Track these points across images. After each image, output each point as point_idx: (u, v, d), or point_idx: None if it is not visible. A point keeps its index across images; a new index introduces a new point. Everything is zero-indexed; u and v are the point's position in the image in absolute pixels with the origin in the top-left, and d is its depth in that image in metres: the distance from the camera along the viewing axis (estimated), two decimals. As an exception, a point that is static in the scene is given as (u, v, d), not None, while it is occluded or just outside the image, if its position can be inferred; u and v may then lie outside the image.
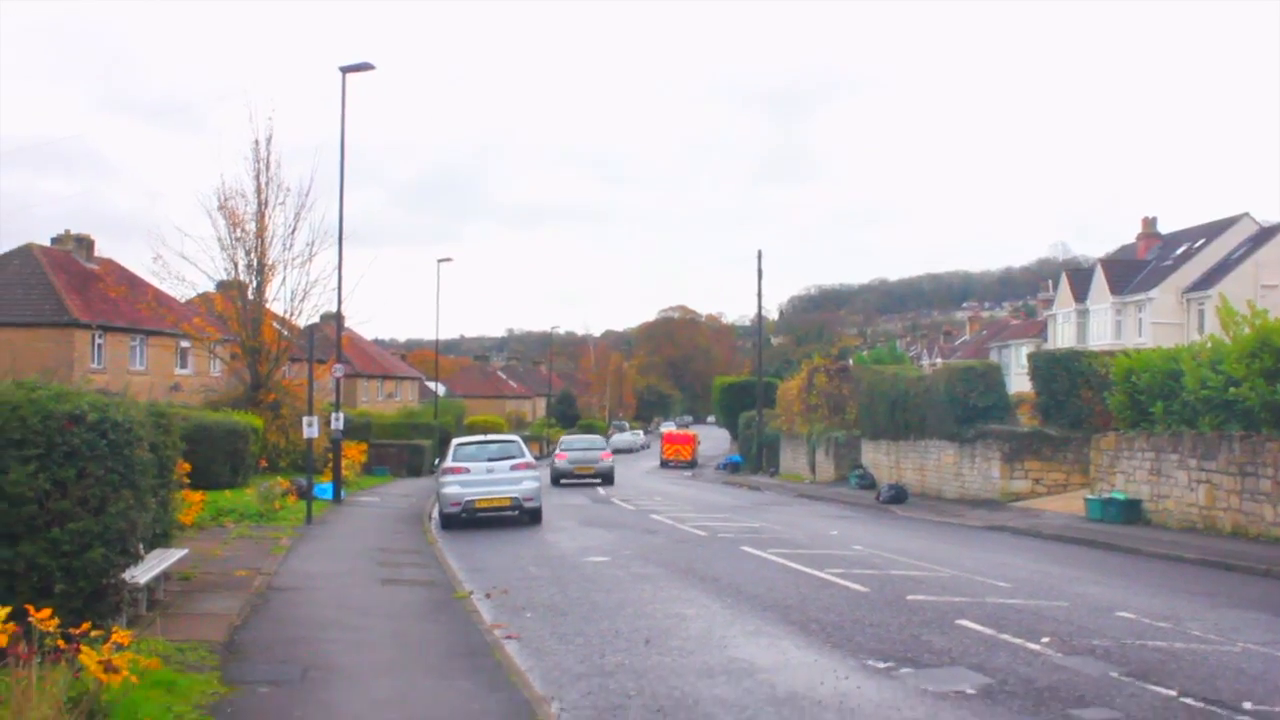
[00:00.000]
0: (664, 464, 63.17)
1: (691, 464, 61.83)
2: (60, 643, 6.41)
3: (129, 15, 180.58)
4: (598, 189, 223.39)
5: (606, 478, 40.17)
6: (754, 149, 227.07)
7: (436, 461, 36.34)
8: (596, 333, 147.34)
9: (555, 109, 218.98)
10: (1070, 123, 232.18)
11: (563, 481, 40.04)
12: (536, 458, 29.67)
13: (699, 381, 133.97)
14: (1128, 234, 64.17)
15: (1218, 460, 19.62)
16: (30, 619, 6.37)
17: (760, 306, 57.00)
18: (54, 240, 44.87)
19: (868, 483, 35.23)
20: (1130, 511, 21.62)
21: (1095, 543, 19.41)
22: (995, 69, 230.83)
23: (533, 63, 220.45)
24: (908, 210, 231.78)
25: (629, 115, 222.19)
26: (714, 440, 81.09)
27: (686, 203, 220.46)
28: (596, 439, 47.71)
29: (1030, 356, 32.94)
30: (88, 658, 6.42)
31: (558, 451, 44.26)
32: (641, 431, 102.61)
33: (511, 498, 23.25)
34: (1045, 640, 10.53)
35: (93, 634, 6.79)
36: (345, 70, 27.56)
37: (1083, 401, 27.08)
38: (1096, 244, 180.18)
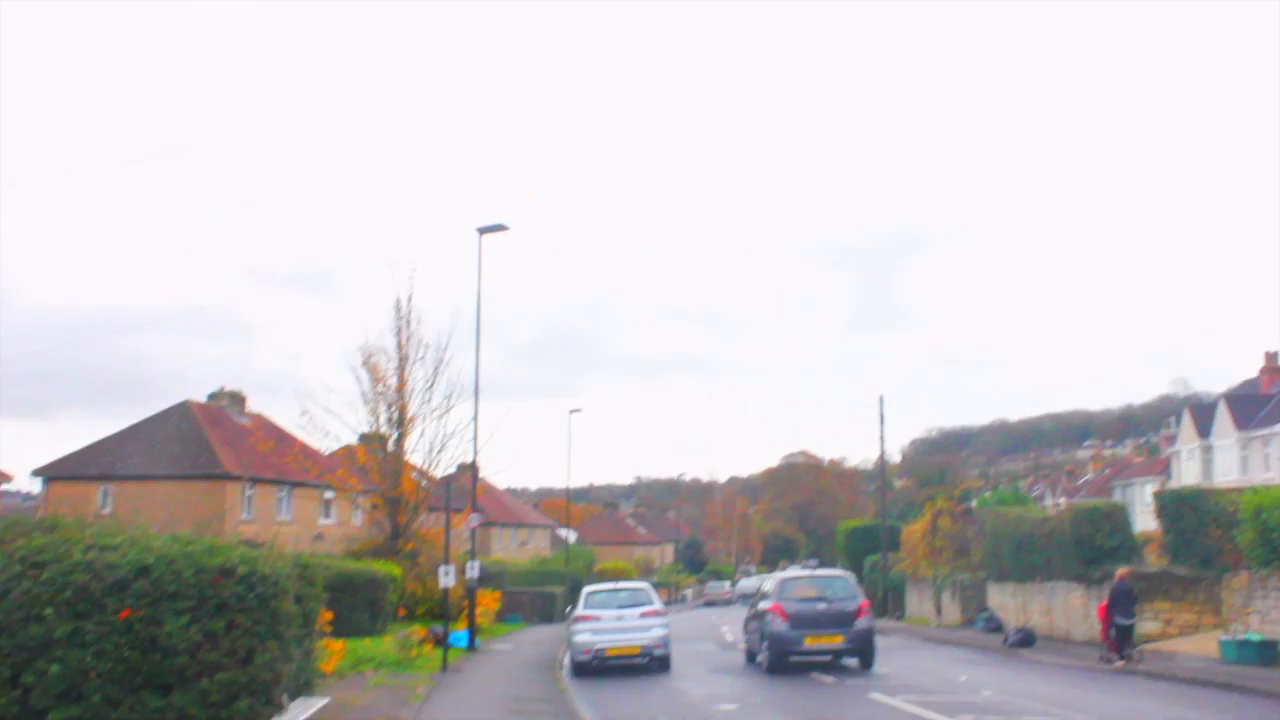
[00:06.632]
0: None
1: None
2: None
3: (263, 191, 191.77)
4: (706, 341, 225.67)
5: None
6: (848, 300, 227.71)
7: (568, 610, 36.54)
8: (722, 479, 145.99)
9: (660, 272, 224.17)
10: (1187, 260, 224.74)
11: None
12: (665, 603, 29.80)
13: (824, 525, 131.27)
14: (1249, 369, 62.48)
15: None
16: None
17: (883, 451, 56.60)
18: (210, 396, 47.43)
19: (995, 625, 34.19)
20: (1266, 653, 20.69)
21: (1231, 685, 18.50)
22: (1095, 214, 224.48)
23: (636, 229, 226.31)
24: (1021, 352, 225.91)
25: (728, 274, 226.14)
26: (844, 584, 79.22)
27: (795, 353, 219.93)
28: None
29: (1156, 495, 31.87)
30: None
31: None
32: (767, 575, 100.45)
33: (641, 646, 23.31)
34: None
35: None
36: (482, 231, 29.21)
37: (1211, 540, 26.06)
38: (1218, 380, 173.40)
